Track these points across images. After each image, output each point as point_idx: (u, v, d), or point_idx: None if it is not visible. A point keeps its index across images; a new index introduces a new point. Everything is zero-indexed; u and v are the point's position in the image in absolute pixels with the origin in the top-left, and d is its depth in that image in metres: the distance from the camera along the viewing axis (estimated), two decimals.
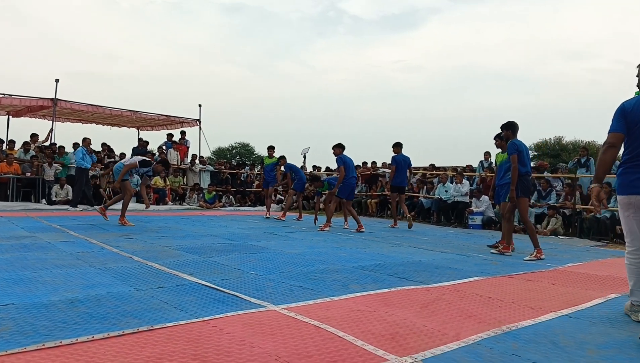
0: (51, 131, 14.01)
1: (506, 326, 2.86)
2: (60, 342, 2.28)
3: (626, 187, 3.05)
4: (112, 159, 14.64)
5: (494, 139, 6.92)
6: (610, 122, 3.14)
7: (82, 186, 11.74)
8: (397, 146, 10.17)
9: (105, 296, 3.24)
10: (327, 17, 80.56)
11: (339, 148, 9.27)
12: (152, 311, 2.90)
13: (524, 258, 5.98)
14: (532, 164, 8.44)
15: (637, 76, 3.24)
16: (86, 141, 12.23)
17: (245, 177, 17.05)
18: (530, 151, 30.01)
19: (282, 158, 11.41)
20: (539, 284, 4.28)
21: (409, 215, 10.15)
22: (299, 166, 12.66)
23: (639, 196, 2.99)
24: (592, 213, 9.55)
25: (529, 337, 2.68)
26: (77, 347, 2.23)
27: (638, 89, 3.25)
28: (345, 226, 9.63)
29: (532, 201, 10.60)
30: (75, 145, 14.12)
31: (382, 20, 77.46)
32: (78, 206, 11.55)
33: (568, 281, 4.47)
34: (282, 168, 11.58)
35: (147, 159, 8.72)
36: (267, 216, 11.14)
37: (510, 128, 6.33)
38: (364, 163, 15.99)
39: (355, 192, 14.18)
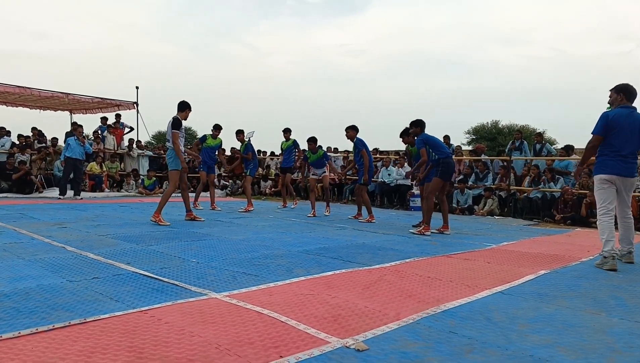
0: None
1: (444, 304, 2.95)
2: None
3: (605, 168, 4.43)
4: (43, 144, 13.83)
5: (400, 137, 7.60)
6: (596, 125, 4.44)
7: (67, 176, 11.40)
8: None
9: (34, 289, 3.06)
10: None
11: (353, 130, 8.20)
12: (85, 303, 2.77)
13: (410, 230, 6.88)
14: (469, 147, 8.98)
15: (609, 97, 4.57)
16: (77, 130, 11.77)
17: (189, 161, 16.64)
18: (468, 135, 31.14)
19: (241, 132, 9.99)
20: (475, 263, 4.46)
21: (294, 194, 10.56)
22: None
23: (614, 175, 4.40)
24: (525, 194, 10.05)
25: (465, 314, 2.78)
26: (2, 344, 2.09)
27: (609, 105, 4.58)
28: (311, 214, 9.55)
29: (469, 182, 11.01)
30: (1, 129, 13.21)
31: (325, 2, 77.29)
32: (64, 194, 11.33)
33: (502, 260, 4.67)
34: (244, 147, 10.05)
35: (175, 118, 7.13)
36: (214, 207, 9.74)
37: (419, 125, 6.92)
38: None
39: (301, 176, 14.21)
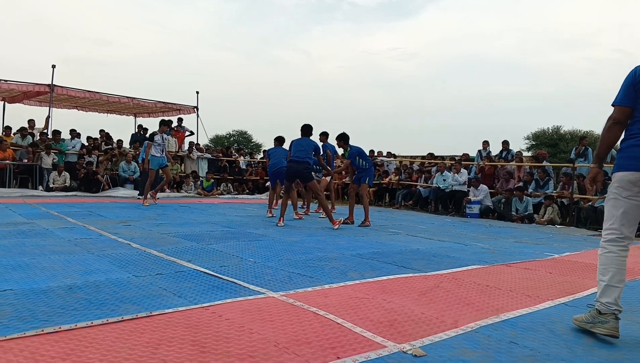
0: (49, 117, 13.91)
1: (504, 314, 2.87)
2: (59, 328, 2.28)
3: (633, 160, 2.53)
4: (110, 146, 14.57)
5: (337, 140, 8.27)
6: (618, 91, 2.64)
7: (146, 178, 11.87)
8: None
9: (103, 282, 3.24)
10: (324, 3, 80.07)
11: (276, 141, 9.39)
12: (150, 298, 2.90)
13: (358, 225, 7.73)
14: (529, 153, 9.01)
15: None
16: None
17: (247, 165, 17.09)
18: (528, 141, 30.02)
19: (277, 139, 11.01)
20: (536, 273, 4.30)
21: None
22: None
23: None
24: (590, 203, 9.57)
25: (526, 324, 2.69)
26: (76, 332, 2.24)
27: None
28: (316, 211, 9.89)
29: (530, 190, 10.62)
30: (72, 132, 14.04)
31: (379, 7, 77.09)
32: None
33: (565, 270, 4.48)
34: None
35: (150, 134, 9.90)
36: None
37: (342, 139, 8.14)
38: None
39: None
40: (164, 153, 10.19)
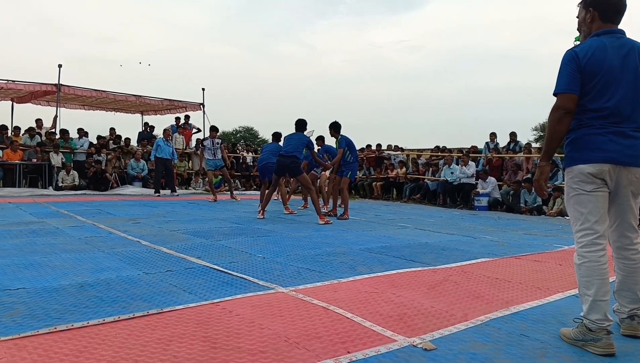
0: (56, 117, 13.99)
1: (514, 306, 2.87)
2: (72, 325, 2.30)
3: (588, 150, 2.30)
4: (118, 145, 14.65)
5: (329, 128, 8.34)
6: (559, 78, 2.36)
7: (159, 175, 12.27)
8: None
9: (114, 280, 3.27)
10: None
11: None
12: (161, 295, 2.92)
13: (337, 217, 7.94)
14: (537, 145, 8.85)
15: (576, 17, 2.52)
16: (166, 132, 12.75)
17: (254, 161, 17.12)
18: (535, 132, 29.87)
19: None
20: (546, 265, 4.28)
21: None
22: None
23: (606, 163, 2.27)
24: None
25: (536, 317, 2.69)
26: (89, 330, 2.26)
27: (578, 33, 2.58)
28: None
29: None
30: (80, 131, 14.12)
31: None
32: (159, 192, 12.13)
33: None
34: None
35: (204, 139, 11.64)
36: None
37: (333, 128, 8.22)
38: (369, 146, 15.91)
39: (360, 175, 14.22)
40: (216, 156, 10.90)
